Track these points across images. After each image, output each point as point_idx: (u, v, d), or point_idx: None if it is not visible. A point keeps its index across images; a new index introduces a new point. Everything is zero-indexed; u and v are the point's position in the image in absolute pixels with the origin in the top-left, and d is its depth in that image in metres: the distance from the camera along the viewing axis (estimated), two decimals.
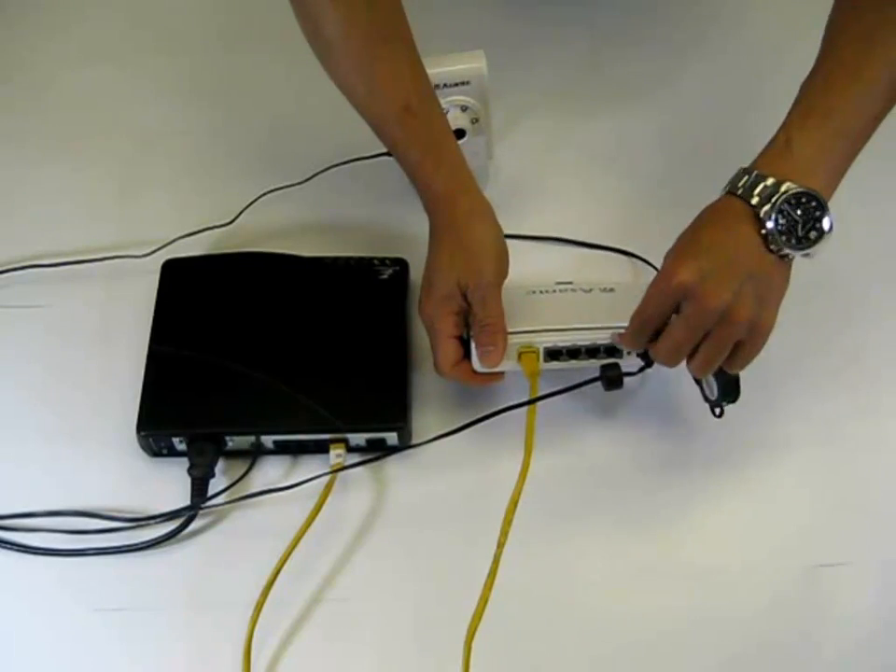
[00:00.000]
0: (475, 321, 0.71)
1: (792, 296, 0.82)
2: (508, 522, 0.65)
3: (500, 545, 0.65)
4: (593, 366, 0.72)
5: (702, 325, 0.63)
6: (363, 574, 0.70)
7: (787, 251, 0.63)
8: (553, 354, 0.72)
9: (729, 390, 0.69)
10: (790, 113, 0.65)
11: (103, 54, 1.00)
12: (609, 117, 0.95)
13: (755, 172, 0.63)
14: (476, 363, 0.72)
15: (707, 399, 0.73)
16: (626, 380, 0.71)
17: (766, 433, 0.76)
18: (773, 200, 0.61)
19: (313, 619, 0.68)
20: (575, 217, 0.88)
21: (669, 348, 0.65)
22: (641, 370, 0.70)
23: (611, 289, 0.74)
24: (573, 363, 0.72)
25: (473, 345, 0.72)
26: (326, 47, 0.69)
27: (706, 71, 0.99)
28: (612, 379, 0.70)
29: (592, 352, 0.72)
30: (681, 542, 0.72)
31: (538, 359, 0.72)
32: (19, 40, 1.02)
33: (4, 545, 0.71)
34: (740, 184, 0.63)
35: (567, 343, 0.72)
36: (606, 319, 0.71)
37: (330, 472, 0.72)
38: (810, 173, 0.63)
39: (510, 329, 0.71)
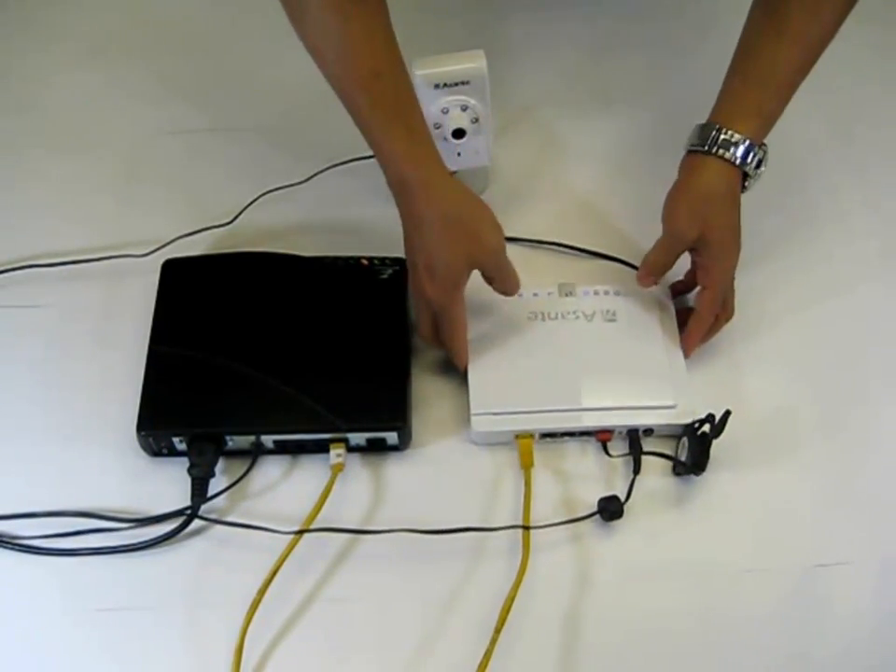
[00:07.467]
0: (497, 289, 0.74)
1: (795, 296, 0.82)
2: (502, 620, 0.66)
3: (497, 630, 0.66)
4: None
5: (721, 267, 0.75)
6: (362, 574, 0.70)
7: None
8: (549, 435, 0.74)
9: (699, 461, 0.71)
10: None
11: (102, 54, 1.00)
12: (610, 118, 0.95)
13: (717, 125, 0.73)
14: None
15: (677, 460, 0.74)
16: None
17: (766, 433, 0.76)
18: (752, 158, 0.73)
19: (310, 618, 0.68)
20: (574, 218, 0.88)
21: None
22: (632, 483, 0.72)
23: (613, 319, 0.77)
24: (568, 439, 0.75)
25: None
26: (298, 7, 0.68)
27: (707, 73, 0.98)
28: (613, 512, 0.71)
29: (587, 433, 0.75)
30: (680, 542, 0.72)
31: (532, 450, 0.73)
32: (18, 41, 1.02)
33: (4, 545, 0.71)
34: (709, 140, 0.73)
35: (563, 429, 0.74)
36: (604, 399, 0.74)
37: (330, 472, 0.72)
38: (750, 125, 0.73)
39: (504, 410, 0.73)
